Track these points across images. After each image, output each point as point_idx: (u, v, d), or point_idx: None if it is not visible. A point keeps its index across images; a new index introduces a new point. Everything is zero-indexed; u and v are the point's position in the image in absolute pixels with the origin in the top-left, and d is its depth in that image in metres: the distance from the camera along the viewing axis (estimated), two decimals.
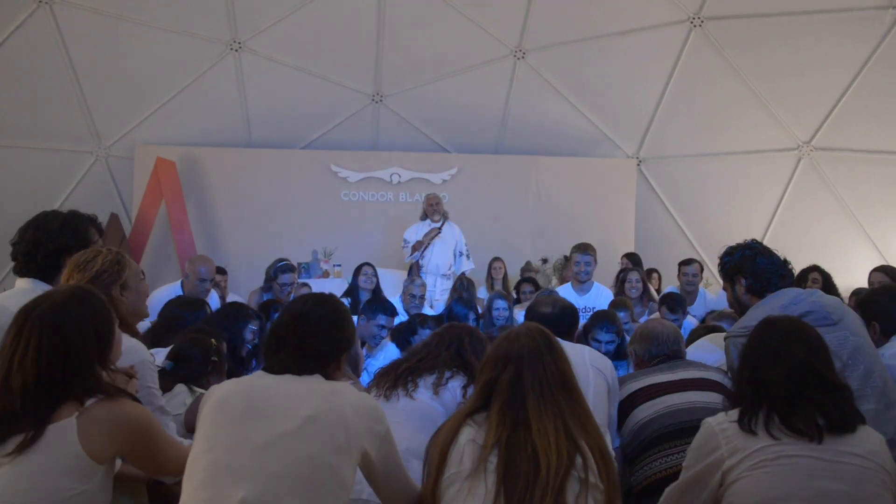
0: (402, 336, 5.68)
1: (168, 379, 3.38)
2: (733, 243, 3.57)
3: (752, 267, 3.36)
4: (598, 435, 2.24)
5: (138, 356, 2.69)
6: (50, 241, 3.01)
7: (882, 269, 6.32)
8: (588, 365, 3.38)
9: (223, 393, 2.27)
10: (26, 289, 2.95)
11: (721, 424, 2.37)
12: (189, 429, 3.21)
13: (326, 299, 2.51)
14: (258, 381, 2.32)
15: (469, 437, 2.20)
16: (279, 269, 6.86)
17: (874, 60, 9.27)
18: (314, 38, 9.76)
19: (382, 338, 5.41)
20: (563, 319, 3.75)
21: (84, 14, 8.95)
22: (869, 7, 8.92)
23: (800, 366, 2.34)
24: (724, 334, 3.76)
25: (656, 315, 6.58)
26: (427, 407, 3.09)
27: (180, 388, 3.37)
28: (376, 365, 5.37)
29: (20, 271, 3.04)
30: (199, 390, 3.36)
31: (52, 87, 9.39)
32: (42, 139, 9.74)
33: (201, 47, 9.61)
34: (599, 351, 4.71)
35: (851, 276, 8.60)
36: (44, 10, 8.80)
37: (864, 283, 6.70)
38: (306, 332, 2.35)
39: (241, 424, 2.17)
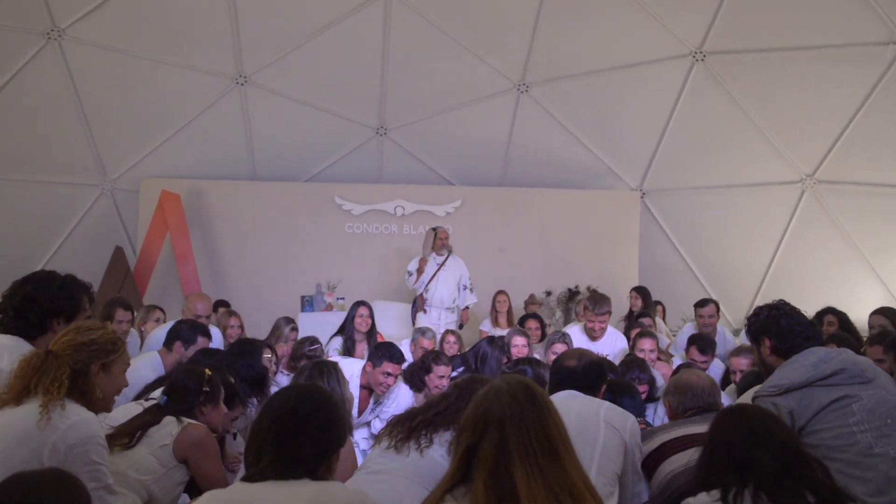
0: (415, 377, 5.58)
1: (160, 413, 3.38)
2: (756, 306, 3.51)
3: (777, 328, 3.28)
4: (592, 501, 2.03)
5: (87, 430, 2.61)
6: (45, 300, 3.04)
7: (881, 312, 6.11)
8: (601, 421, 3.23)
9: None
10: (6, 345, 2.97)
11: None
12: (178, 458, 3.21)
13: (311, 394, 2.26)
14: (235, 492, 2.11)
15: None
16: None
17: (876, 94, 9.30)
18: (319, 72, 9.84)
19: (389, 385, 5.30)
20: (588, 374, 3.56)
21: (91, 49, 9.04)
22: (870, 42, 8.97)
23: (784, 445, 2.34)
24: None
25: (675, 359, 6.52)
26: (437, 465, 2.94)
27: (168, 420, 3.35)
28: (389, 412, 5.32)
29: (6, 326, 3.04)
30: (189, 420, 3.35)
31: (59, 120, 9.47)
32: (48, 172, 9.79)
33: (207, 81, 9.69)
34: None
35: (855, 309, 8.55)
36: (52, 46, 8.89)
37: (867, 315, 6.62)
38: (290, 435, 2.12)
39: None
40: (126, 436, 3.16)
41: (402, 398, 5.41)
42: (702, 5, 9.22)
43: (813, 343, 3.23)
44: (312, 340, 6.34)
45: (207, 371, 3.58)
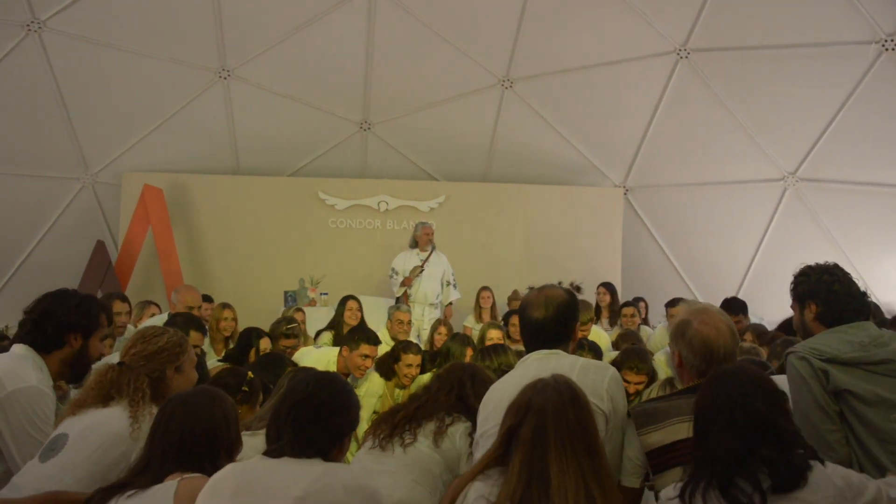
0: (385, 365, 5.66)
1: None
2: (810, 264, 3.23)
3: (827, 294, 3.05)
4: (615, 498, 2.15)
5: None
6: (63, 315, 3.08)
7: None
8: None
9: (220, 475, 2.27)
10: (20, 355, 3.02)
11: (668, 500, 2.23)
12: None
13: (328, 381, 2.45)
14: (254, 464, 2.30)
15: (479, 493, 2.12)
16: None
17: (858, 93, 9.36)
18: (303, 67, 9.79)
19: (367, 367, 5.36)
20: (558, 323, 2.91)
21: (72, 41, 8.96)
22: (853, 41, 9.03)
23: (757, 424, 2.17)
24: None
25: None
26: (425, 457, 2.97)
27: None
28: (361, 395, 5.35)
29: (23, 337, 3.08)
30: None
31: (39, 113, 9.38)
32: (29, 166, 9.70)
33: (190, 75, 9.63)
34: (627, 392, 4.58)
35: None
36: (32, 38, 8.80)
37: None
38: (307, 419, 2.32)
39: None
40: None
41: (373, 385, 5.49)
42: (686, 3, 9.25)
43: (862, 316, 3.02)
44: (289, 320, 6.43)
45: (250, 374, 3.73)
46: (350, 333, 5.52)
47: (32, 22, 8.71)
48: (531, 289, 9.39)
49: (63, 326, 3.07)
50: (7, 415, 2.84)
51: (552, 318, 2.89)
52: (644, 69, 9.87)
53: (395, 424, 3.12)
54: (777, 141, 10.10)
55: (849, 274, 3.14)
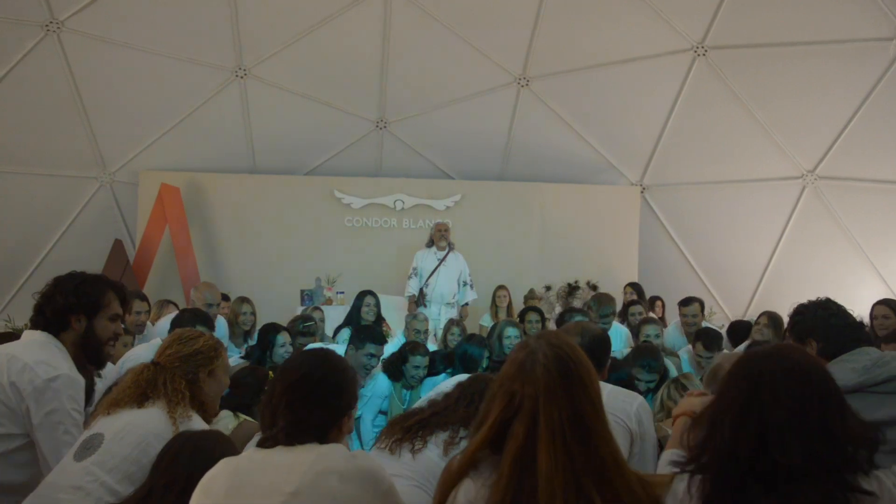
0: (392, 366, 5.65)
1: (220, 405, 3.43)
2: (803, 301, 3.25)
3: (825, 330, 3.06)
4: (625, 485, 1.89)
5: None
6: (61, 297, 3.05)
7: (885, 303, 6.09)
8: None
9: (211, 473, 2.20)
10: (37, 340, 3.01)
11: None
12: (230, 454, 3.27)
13: (321, 362, 2.33)
14: (247, 460, 2.22)
15: (467, 499, 1.93)
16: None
17: (878, 90, 9.29)
18: (319, 65, 9.80)
19: (372, 366, 5.35)
20: (593, 352, 3.02)
21: (90, 42, 9.00)
22: (872, 38, 8.96)
23: (811, 435, 1.84)
24: None
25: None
26: (432, 464, 2.86)
27: (224, 414, 3.39)
28: (367, 395, 5.37)
29: (34, 322, 3.09)
30: (244, 417, 3.39)
31: (58, 113, 9.42)
32: (47, 165, 9.75)
33: (206, 74, 9.66)
34: (639, 389, 4.52)
35: (855, 305, 8.54)
36: (51, 38, 8.85)
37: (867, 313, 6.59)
38: (300, 404, 2.21)
39: None
40: None
41: (379, 385, 5.47)
42: (704, 0, 9.19)
43: (863, 344, 3.02)
44: (306, 318, 6.45)
45: (271, 373, 3.69)
46: (356, 333, 5.51)
47: (51, 22, 8.75)
48: (547, 288, 9.37)
49: (63, 309, 3.04)
50: (41, 404, 2.84)
51: (586, 347, 2.80)
52: (661, 67, 9.82)
53: (408, 429, 3.03)
54: (795, 138, 10.03)
55: (842, 306, 3.16)
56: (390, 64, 9.86)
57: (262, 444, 2.22)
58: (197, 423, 2.78)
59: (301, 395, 2.22)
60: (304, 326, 6.34)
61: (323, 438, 2.21)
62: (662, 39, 9.57)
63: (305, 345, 6.06)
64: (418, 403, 3.45)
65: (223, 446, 2.48)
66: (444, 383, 3.72)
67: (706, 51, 9.57)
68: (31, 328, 3.09)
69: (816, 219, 10.37)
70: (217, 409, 3.12)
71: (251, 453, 2.24)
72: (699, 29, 9.45)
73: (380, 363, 5.53)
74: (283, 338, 5.57)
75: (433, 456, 2.88)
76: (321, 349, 2.45)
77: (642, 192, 11.00)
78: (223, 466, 2.20)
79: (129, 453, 2.59)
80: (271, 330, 5.64)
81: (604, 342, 3.24)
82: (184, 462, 2.38)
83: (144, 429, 2.66)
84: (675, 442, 2.23)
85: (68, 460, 2.65)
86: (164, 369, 2.86)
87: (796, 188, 10.37)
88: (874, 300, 6.41)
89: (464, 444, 2.79)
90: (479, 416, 2.03)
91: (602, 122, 10.47)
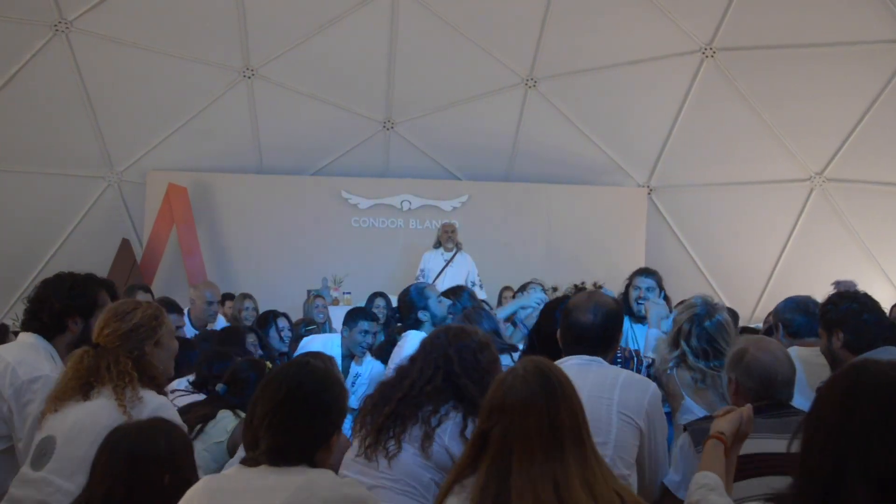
0: (383, 352, 5.64)
1: (218, 405, 3.37)
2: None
3: (856, 323, 3.03)
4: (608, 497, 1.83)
5: (167, 415, 2.58)
6: (56, 300, 3.02)
7: None
8: (614, 413, 2.71)
9: (192, 491, 2.07)
10: (25, 342, 3.00)
11: None
12: (231, 455, 3.20)
13: (305, 377, 2.14)
14: (229, 477, 2.10)
15: None
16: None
17: (887, 92, 9.24)
18: (326, 66, 9.81)
19: (368, 344, 5.37)
20: (606, 330, 2.96)
21: (99, 42, 9.02)
22: (882, 40, 8.91)
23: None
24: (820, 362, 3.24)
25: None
26: (412, 468, 2.62)
27: (224, 414, 3.35)
28: (363, 376, 5.37)
29: (25, 325, 3.06)
30: (244, 415, 3.36)
31: (66, 113, 9.45)
32: (55, 164, 9.77)
33: (214, 74, 9.67)
34: (639, 297, 4.63)
35: None
36: (60, 38, 8.87)
37: None
38: (285, 422, 2.04)
39: None
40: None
41: (374, 371, 5.42)
42: (712, 1, 9.17)
43: (890, 343, 2.99)
44: (308, 322, 6.47)
45: (269, 364, 3.64)
46: (349, 314, 5.56)
47: (60, 22, 8.77)
48: (554, 289, 9.31)
49: (59, 312, 3.01)
50: (22, 406, 2.81)
51: (600, 326, 2.92)
52: (669, 68, 9.80)
53: (381, 428, 2.70)
54: (803, 140, 9.99)
55: (877, 302, 3.15)
56: (397, 64, 9.85)
57: (245, 463, 2.09)
58: (149, 402, 2.60)
59: (284, 414, 2.05)
60: (308, 330, 6.37)
61: (311, 460, 2.07)
62: (670, 41, 9.54)
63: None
64: (388, 371, 3.29)
65: (166, 437, 2.29)
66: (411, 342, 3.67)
67: (714, 52, 9.54)
68: (24, 329, 3.06)
69: (824, 221, 10.33)
70: (171, 372, 2.97)
71: (235, 470, 2.11)
72: (707, 30, 9.42)
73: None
74: (283, 322, 5.58)
75: (408, 458, 2.63)
76: (303, 363, 2.26)
77: (649, 193, 10.98)
78: (205, 484, 2.08)
79: (86, 454, 2.38)
80: (271, 315, 5.65)
81: (616, 317, 3.05)
82: (119, 466, 2.19)
83: (96, 426, 2.47)
84: (707, 465, 2.20)
85: (26, 469, 2.56)
86: (105, 351, 2.65)
87: (804, 190, 10.33)
88: (882, 302, 6.35)
89: (438, 434, 2.63)
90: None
91: (609, 123, 10.45)
